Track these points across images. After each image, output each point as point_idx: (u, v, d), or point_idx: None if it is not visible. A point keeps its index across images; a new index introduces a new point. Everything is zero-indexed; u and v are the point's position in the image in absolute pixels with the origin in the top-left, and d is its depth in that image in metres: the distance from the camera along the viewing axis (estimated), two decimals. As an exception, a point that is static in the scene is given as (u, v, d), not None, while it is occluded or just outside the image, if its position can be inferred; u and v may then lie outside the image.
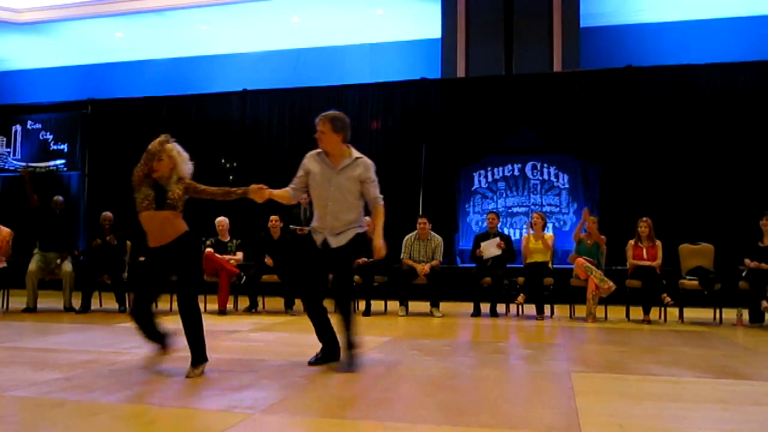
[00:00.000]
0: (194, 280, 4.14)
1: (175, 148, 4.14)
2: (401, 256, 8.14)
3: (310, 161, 4.46)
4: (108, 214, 8.39)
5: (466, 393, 3.70)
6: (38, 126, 13.32)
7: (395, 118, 11.23)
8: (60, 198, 8.37)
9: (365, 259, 7.91)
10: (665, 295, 7.25)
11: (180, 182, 4.11)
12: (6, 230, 8.04)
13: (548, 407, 3.38)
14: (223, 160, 11.74)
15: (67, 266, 8.07)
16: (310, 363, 4.37)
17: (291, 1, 12.39)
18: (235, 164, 11.69)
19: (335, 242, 4.36)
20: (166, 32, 13.85)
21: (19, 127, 13.42)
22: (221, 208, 7.41)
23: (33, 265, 7.91)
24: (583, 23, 11.71)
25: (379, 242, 4.41)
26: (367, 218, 4.63)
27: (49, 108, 13.35)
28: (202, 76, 14.06)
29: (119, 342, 5.47)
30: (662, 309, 7.42)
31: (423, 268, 7.83)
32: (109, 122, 12.59)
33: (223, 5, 12.71)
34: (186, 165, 4.15)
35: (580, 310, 7.58)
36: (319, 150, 4.45)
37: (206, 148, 11.61)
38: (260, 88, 11.87)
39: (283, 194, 4.47)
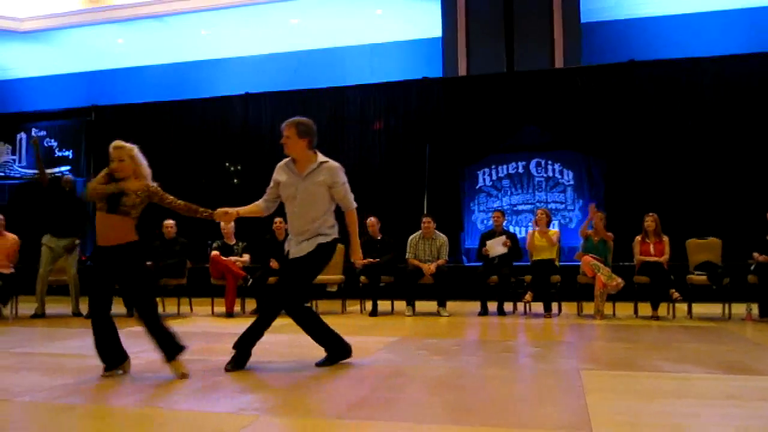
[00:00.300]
0: (138, 287, 4.11)
1: (135, 149, 4.24)
2: (406, 256, 8.12)
3: (278, 171, 4.49)
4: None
5: (475, 392, 3.68)
6: (43, 133, 13.34)
7: (398, 118, 11.21)
8: (69, 176, 8.28)
9: (370, 260, 7.91)
10: (673, 290, 7.20)
11: (145, 189, 4.14)
12: (13, 237, 8.05)
13: (558, 405, 3.35)
14: (226, 164, 11.75)
15: (72, 268, 8.03)
16: (318, 365, 4.36)
17: (290, 3, 12.39)
18: (239, 167, 11.70)
19: (295, 252, 4.36)
20: (166, 37, 13.88)
21: (23, 135, 13.45)
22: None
23: (42, 268, 7.86)
24: (583, 18, 11.68)
25: (356, 250, 4.58)
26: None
27: (53, 115, 13.39)
28: (204, 81, 14.08)
29: (128, 346, 5.41)
30: (671, 305, 7.38)
31: (429, 268, 7.81)
32: (112, 128, 12.57)
33: (222, 9, 12.73)
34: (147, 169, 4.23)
35: (588, 307, 7.54)
36: (288, 159, 4.46)
37: (209, 152, 11.64)
38: (262, 91, 11.86)
39: (253, 209, 4.54)
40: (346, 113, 11.47)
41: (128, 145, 4.27)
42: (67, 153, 13.09)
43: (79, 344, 5.72)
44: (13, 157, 13.57)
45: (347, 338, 5.94)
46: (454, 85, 11.15)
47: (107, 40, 14.10)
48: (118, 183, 4.15)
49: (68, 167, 12.91)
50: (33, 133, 8.60)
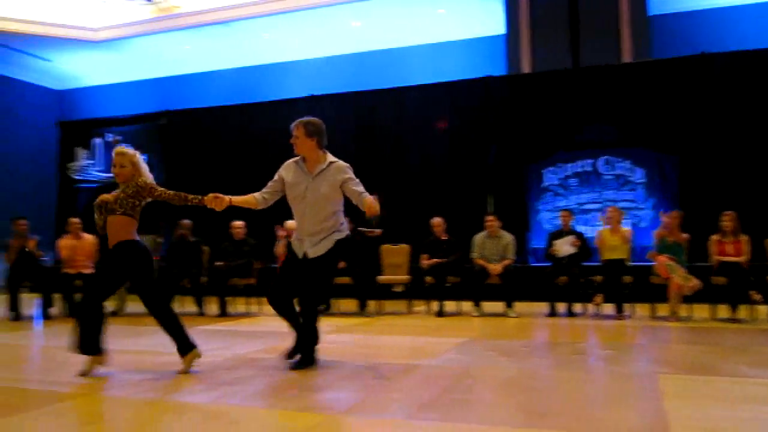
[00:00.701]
0: (141, 285, 4.21)
1: (137, 155, 4.41)
2: (471, 255, 8.04)
3: (285, 168, 4.49)
4: (187, 221, 8.63)
5: (547, 395, 3.61)
6: (118, 138, 13.85)
7: (461, 118, 11.12)
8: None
9: (436, 260, 7.88)
10: (754, 291, 6.91)
11: (133, 185, 4.26)
12: (90, 237, 8.35)
13: (634, 410, 3.25)
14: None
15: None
16: (294, 368, 4.31)
17: (352, 5, 12.45)
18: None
19: (313, 252, 4.33)
20: (231, 43, 14.18)
21: (100, 140, 13.99)
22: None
23: None
24: (652, 11, 11.34)
25: (368, 199, 4.22)
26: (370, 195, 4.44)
27: (127, 120, 13.87)
28: (269, 84, 14.32)
29: (201, 344, 5.54)
30: (751, 307, 7.08)
31: (495, 268, 7.72)
32: (184, 132, 12.96)
33: (285, 13, 12.90)
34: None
35: (662, 309, 7.30)
36: (297, 157, 4.47)
37: (274, 154, 11.73)
38: (325, 93, 11.98)
39: (248, 200, 4.48)
40: (409, 114, 11.46)
41: (130, 151, 4.41)
42: (142, 157, 13.52)
43: (155, 342, 5.89)
44: (90, 161, 14.12)
45: (415, 339, 5.97)
46: (518, 82, 11.00)
47: (175, 46, 14.50)
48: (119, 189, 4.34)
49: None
50: (111, 138, 8.81)
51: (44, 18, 13.80)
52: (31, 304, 8.14)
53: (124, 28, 14.04)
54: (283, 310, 4.45)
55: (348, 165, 4.48)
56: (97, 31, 14.17)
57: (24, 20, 13.66)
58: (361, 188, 4.37)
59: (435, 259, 7.94)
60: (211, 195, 4.30)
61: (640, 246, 8.72)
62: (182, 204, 4.38)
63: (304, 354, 4.38)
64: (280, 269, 4.55)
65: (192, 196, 4.32)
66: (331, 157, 4.44)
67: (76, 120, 15.02)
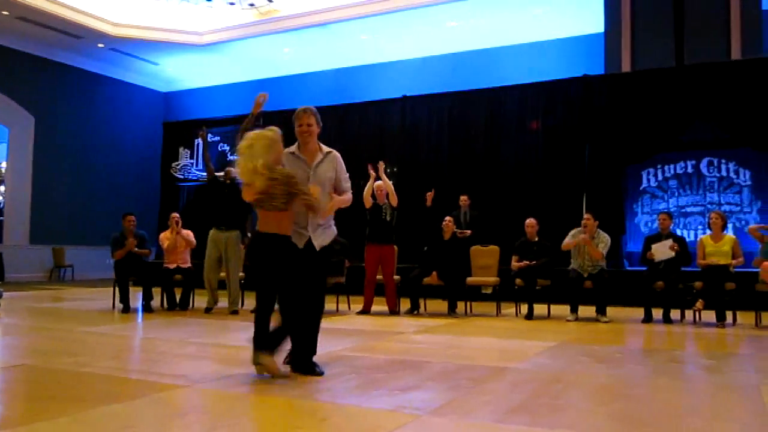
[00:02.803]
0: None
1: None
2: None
3: (285, 159, 4.25)
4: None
5: (643, 403, 3.51)
6: (217, 138, 14.43)
7: (556, 118, 10.94)
8: (231, 169, 8.35)
9: (526, 262, 7.79)
10: None
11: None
12: (188, 233, 8.70)
13: (737, 422, 3.12)
14: (384, 165, 12.04)
15: (231, 264, 8.14)
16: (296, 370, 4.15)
17: (448, 5, 12.45)
18: (395, 169, 11.95)
19: (319, 242, 4.21)
20: (328, 45, 14.47)
21: (200, 140, 14.59)
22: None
23: (207, 262, 8.17)
24: (765, 4, 10.73)
25: (325, 209, 4.17)
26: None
27: (226, 121, 14.43)
28: (364, 85, 14.53)
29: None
30: None
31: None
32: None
33: (381, 15, 13.03)
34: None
35: (768, 318, 6.94)
36: (292, 147, 4.30)
37: (368, 154, 11.98)
38: (419, 94, 12.04)
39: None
40: (503, 114, 11.36)
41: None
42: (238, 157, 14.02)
43: (248, 336, 6.11)
44: (191, 161, 14.77)
45: (504, 341, 5.92)
46: (617, 81, 10.69)
47: (275, 49, 14.94)
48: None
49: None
50: (203, 130, 8.98)
51: (152, 23, 14.54)
52: (136, 297, 8.56)
53: (227, 32, 14.60)
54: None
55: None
56: (202, 35, 14.79)
57: (134, 26, 14.47)
58: (349, 186, 4.41)
59: (525, 261, 7.83)
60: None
61: (746, 252, 8.29)
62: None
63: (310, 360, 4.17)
64: (289, 270, 4.24)
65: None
66: (325, 147, 4.37)
67: (180, 120, 15.76)
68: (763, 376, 4.30)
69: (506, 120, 11.31)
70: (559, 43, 13.20)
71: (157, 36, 14.76)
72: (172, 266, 8.49)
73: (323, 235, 4.27)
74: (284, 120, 14.21)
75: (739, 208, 10.28)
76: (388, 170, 12.07)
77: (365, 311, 8.10)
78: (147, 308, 8.26)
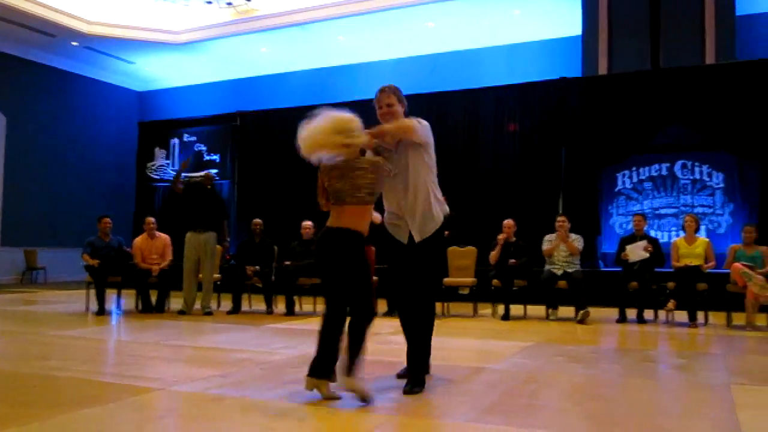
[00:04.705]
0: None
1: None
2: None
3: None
4: (258, 220, 8.84)
5: (616, 403, 3.56)
6: (193, 138, 14.34)
7: (533, 120, 11.01)
8: (211, 173, 8.33)
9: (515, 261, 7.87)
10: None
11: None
12: (164, 236, 8.63)
13: (707, 420, 3.18)
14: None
15: (207, 265, 8.18)
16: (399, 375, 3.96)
17: (426, 6, 12.48)
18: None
19: (421, 234, 3.77)
20: (307, 45, 14.43)
21: (176, 140, 14.51)
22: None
23: (186, 265, 8.21)
24: (739, 11, 10.90)
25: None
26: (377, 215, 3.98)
27: (202, 121, 14.35)
28: (342, 85, 14.50)
29: (269, 342, 5.75)
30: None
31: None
32: (255, 133, 13.29)
33: (360, 15, 13.02)
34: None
35: (738, 318, 7.05)
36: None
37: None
38: (397, 94, 12.03)
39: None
40: (482, 116, 11.41)
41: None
42: (214, 157, 13.97)
43: (225, 338, 6.09)
44: (167, 161, 14.65)
45: (480, 342, 5.95)
46: (593, 84, 10.79)
47: (252, 48, 14.87)
48: None
49: (216, 170, 13.76)
50: (184, 159, 8.94)
51: (128, 22, 14.40)
52: (110, 300, 8.47)
53: (204, 30, 14.49)
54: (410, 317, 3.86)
55: None
56: (179, 34, 14.67)
57: (109, 24, 14.31)
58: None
59: (499, 249, 7.94)
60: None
61: (717, 253, 8.42)
62: None
63: (415, 372, 3.76)
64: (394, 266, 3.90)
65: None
66: None
67: (156, 120, 15.62)
68: (734, 375, 4.36)
69: (484, 121, 11.36)
70: (537, 45, 13.29)
71: (132, 35, 14.60)
72: (145, 267, 8.37)
73: (426, 223, 3.75)
74: (260, 119, 14.10)
75: (711, 210, 10.43)
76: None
77: None
78: (121, 311, 8.11)
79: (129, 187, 15.42)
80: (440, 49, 13.93)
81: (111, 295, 8.46)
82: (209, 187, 8.41)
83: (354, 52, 14.56)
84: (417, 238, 3.75)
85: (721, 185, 10.37)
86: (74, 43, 14.79)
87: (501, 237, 8.06)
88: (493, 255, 8.04)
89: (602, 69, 11.33)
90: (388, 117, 3.80)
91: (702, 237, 7.90)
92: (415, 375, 3.72)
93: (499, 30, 13.13)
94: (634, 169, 10.89)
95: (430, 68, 13.95)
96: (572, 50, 12.11)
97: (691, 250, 7.43)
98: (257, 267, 8.42)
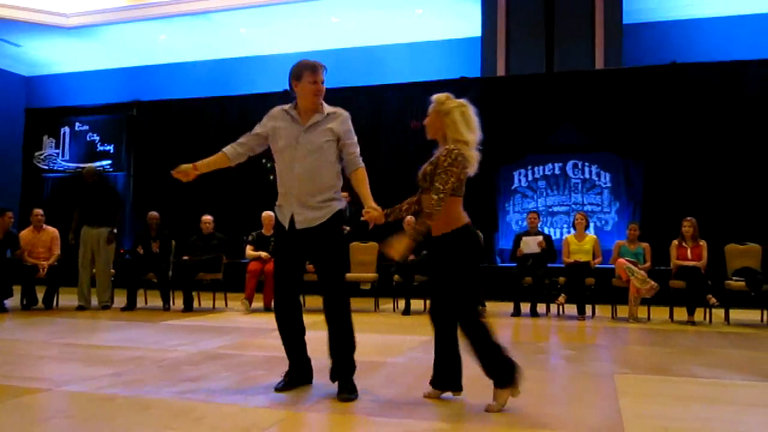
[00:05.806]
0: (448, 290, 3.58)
1: (447, 101, 3.80)
2: None
3: (274, 116, 3.86)
4: (155, 213, 8.57)
5: (508, 393, 3.70)
6: (86, 128, 13.68)
7: (435, 117, 11.20)
8: (93, 166, 8.18)
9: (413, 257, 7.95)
10: (710, 296, 7.13)
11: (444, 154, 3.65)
12: (52, 230, 8.25)
13: (592, 408, 3.37)
14: (263, 160, 11.88)
15: (101, 259, 8.05)
16: (277, 389, 3.65)
17: (331, 1, 12.46)
18: (273, 164, 11.81)
19: (303, 221, 3.65)
20: (208, 34, 14.06)
21: (67, 129, 13.80)
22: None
23: (80, 260, 8.03)
24: (626, 20, 11.53)
25: (371, 204, 3.79)
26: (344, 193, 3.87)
27: (96, 110, 13.71)
28: (244, 77, 14.24)
29: (165, 339, 5.60)
30: (707, 310, 7.30)
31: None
32: (153, 123, 12.86)
33: (263, 6, 12.83)
34: None
35: (623, 311, 7.49)
36: (284, 106, 3.86)
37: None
38: (300, 89, 11.94)
39: (217, 160, 3.85)
40: (385, 112, 11.52)
41: (444, 96, 3.71)
42: (108, 147, 13.39)
43: (119, 336, 5.88)
44: (56, 150, 13.91)
45: (381, 336, 6.02)
46: (492, 85, 11.12)
47: (150, 36, 14.34)
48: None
49: (109, 161, 13.20)
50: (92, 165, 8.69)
51: (14, 1, 13.54)
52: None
53: (97, 15, 13.80)
54: (288, 314, 3.83)
55: (349, 115, 3.94)
56: (68, 17, 13.93)
57: (-6, 4, 13.41)
58: (358, 152, 3.93)
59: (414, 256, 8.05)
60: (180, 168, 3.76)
61: (604, 249, 8.92)
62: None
63: (342, 363, 3.67)
64: (276, 254, 3.83)
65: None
66: (329, 107, 3.93)
67: (44, 107, 14.79)
68: (616, 364, 4.64)
69: (387, 118, 11.48)
70: (440, 44, 13.52)
71: (18, 15, 13.71)
72: (34, 263, 7.95)
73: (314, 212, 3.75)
74: (159, 109, 13.60)
75: (600, 209, 11.00)
76: (269, 165, 11.95)
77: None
78: (2, 308, 7.67)
79: (15, 177, 14.52)
80: (345, 45, 13.94)
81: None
82: (90, 181, 8.24)
83: (257, 44, 14.32)
84: (299, 226, 3.69)
85: (609, 185, 10.96)
86: (-47, 22, 13.79)
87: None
88: None
89: (500, 70, 11.70)
90: (319, 96, 3.87)
91: (590, 234, 8.33)
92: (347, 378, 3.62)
93: (404, 28, 13.27)
94: (529, 167, 11.31)
95: (334, 63, 13.83)
96: (472, 51, 12.42)
97: (580, 246, 7.83)
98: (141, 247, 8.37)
